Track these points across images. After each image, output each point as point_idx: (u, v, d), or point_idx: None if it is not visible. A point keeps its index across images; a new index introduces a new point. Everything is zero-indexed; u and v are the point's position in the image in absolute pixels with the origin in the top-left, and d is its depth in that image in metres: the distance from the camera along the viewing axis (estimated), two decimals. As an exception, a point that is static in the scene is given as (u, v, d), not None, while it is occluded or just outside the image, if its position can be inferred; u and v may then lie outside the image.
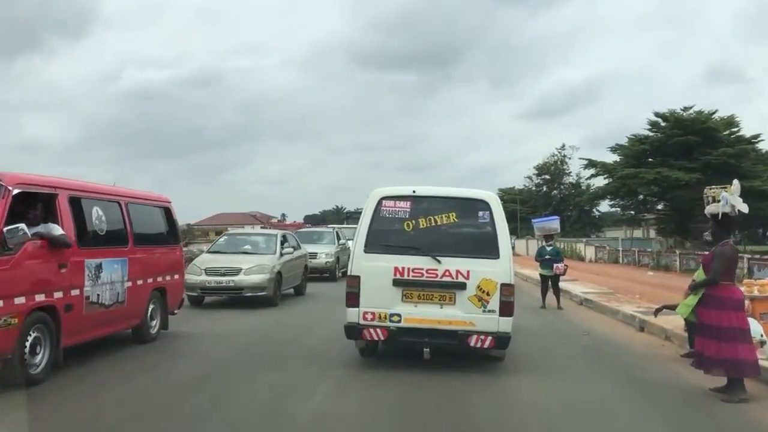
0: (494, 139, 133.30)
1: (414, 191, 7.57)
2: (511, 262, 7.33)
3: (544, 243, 15.98)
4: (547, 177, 68.96)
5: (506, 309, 7.16)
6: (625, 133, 52.64)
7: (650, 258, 33.79)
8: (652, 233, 59.69)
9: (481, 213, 7.47)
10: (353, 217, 35.71)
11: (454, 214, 7.45)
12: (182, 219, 27.37)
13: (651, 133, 51.04)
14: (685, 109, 50.55)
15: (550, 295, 15.33)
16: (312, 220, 77.56)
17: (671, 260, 30.43)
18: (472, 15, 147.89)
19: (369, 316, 7.24)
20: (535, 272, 27.08)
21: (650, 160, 50.25)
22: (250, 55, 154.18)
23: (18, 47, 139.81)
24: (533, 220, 17.45)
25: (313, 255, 18.74)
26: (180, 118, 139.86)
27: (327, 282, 19.70)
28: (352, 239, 7.43)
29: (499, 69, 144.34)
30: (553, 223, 16.73)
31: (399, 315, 7.19)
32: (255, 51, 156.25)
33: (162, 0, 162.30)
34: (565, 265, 15.52)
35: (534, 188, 69.96)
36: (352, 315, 7.33)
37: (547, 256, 15.39)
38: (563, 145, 68.87)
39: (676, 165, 47.57)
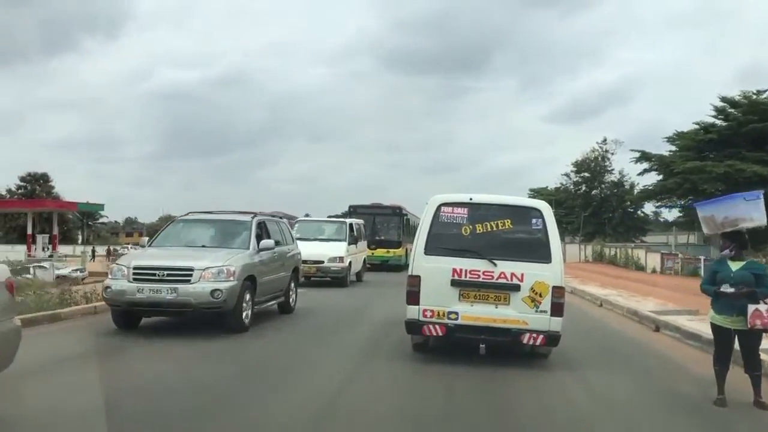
0: (522, 141, 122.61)
1: (471, 198, 7.43)
2: (562, 266, 7.24)
3: (720, 252, 6.03)
4: (587, 175, 57.99)
5: (557, 310, 7.04)
6: (657, 135, 42.47)
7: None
8: (688, 238, 49.24)
9: (534, 220, 7.29)
10: (358, 212, 26.01)
11: (509, 220, 7.31)
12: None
13: (718, 121, 40.38)
14: (759, 93, 39.75)
15: (736, 373, 6.26)
16: (332, 220, 67.87)
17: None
18: (502, 16, 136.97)
19: (428, 314, 7.12)
20: (592, 286, 17.56)
21: (710, 155, 39.67)
22: (278, 55, 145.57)
23: (55, 47, 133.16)
24: (698, 206, 6.88)
25: (181, 278, 8.20)
26: (209, 117, 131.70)
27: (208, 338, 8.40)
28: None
29: (528, 71, 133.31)
30: (752, 210, 6.38)
31: (456, 313, 7.08)
32: (283, 50, 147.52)
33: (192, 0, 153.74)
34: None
35: (572, 187, 59.04)
36: (412, 312, 7.17)
37: (729, 288, 5.29)
38: (605, 139, 57.98)
39: (751, 157, 37.08)
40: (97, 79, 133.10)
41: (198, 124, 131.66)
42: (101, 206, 55.79)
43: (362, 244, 18.77)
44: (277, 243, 10.04)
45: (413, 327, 7.24)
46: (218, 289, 8.07)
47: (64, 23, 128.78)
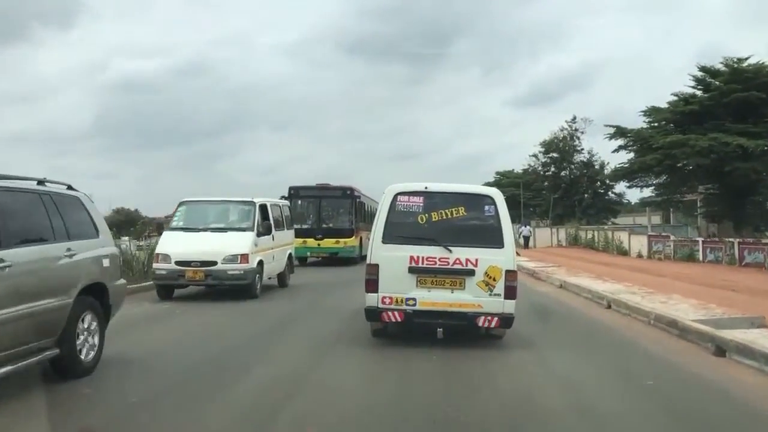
0: (486, 126, 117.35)
1: (426, 187, 7.38)
2: (514, 251, 7.30)
3: None
4: (555, 155, 53.29)
5: (510, 293, 7.14)
6: (618, 118, 38.15)
7: (765, 254, 18.47)
8: (663, 218, 45.21)
9: (487, 207, 7.34)
10: (300, 195, 20.89)
11: (462, 208, 7.32)
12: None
13: (698, 92, 35.88)
14: (740, 60, 35.27)
15: None
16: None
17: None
18: (464, 1, 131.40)
19: (387, 301, 7.05)
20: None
21: (690, 128, 35.21)
22: (239, 44, 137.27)
23: (5, 37, 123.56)
24: None
25: None
26: (169, 108, 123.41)
27: None
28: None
29: (490, 56, 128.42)
30: None
31: (414, 299, 7.06)
32: (244, 39, 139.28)
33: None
34: None
35: (540, 168, 54.31)
36: (372, 300, 7.08)
37: None
38: (574, 118, 53.17)
39: (735, 129, 32.68)
40: (52, 70, 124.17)
41: (158, 116, 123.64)
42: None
43: (285, 233, 13.34)
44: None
45: (372, 314, 7.15)
46: None
47: (15, 12, 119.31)
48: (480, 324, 7.08)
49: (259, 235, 11.12)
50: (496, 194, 7.48)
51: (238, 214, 11.40)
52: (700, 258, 23.04)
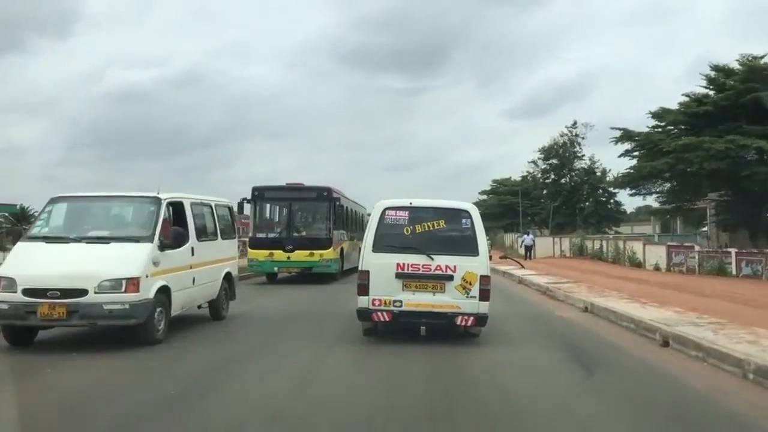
0: (482, 137, 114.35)
1: (411, 203, 8.04)
2: (487, 259, 7.84)
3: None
4: (555, 162, 49.72)
5: (485, 295, 7.64)
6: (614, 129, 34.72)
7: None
8: (671, 226, 41.85)
9: (464, 220, 7.94)
10: (266, 197, 17.32)
11: (443, 221, 7.92)
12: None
13: (711, 92, 32.55)
14: (755, 59, 31.95)
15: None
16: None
17: None
18: (459, 12, 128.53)
19: (377, 302, 7.62)
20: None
21: (704, 130, 31.77)
22: (236, 55, 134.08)
23: (1, 46, 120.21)
24: None
25: None
26: (166, 118, 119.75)
27: None
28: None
29: (487, 67, 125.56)
30: None
31: (400, 301, 7.61)
32: (241, 50, 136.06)
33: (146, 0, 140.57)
34: None
35: (539, 175, 50.71)
36: (363, 302, 7.67)
37: None
38: (574, 123, 49.67)
39: (753, 131, 29.37)
40: (48, 79, 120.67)
41: (155, 125, 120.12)
42: (13, 207, 46.11)
43: (220, 244, 9.39)
44: None
45: (364, 315, 7.71)
46: None
47: (11, 21, 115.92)
48: (458, 323, 7.66)
49: (163, 247, 7.31)
50: (472, 209, 8.14)
51: (133, 217, 7.63)
52: (733, 272, 19.40)
